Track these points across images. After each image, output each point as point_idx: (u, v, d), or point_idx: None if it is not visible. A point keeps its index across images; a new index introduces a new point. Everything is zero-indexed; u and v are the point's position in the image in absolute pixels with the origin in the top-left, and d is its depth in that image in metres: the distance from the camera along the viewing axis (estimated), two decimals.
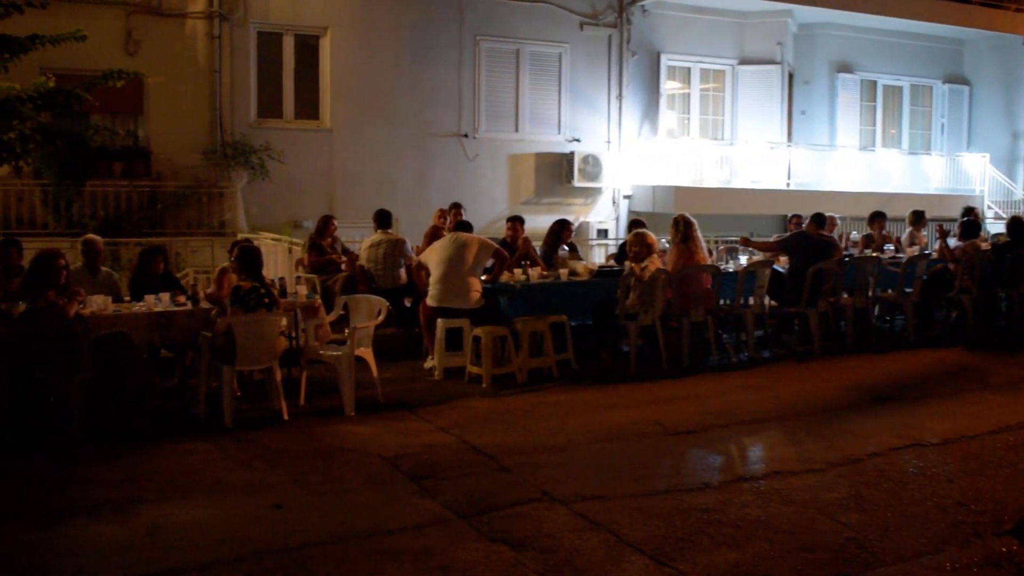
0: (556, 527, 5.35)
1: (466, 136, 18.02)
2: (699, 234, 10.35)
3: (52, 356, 7.33)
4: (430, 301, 9.71)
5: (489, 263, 9.98)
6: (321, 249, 11.65)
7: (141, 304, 8.38)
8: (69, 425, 7.34)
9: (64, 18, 10.36)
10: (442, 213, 12.25)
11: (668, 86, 20.26)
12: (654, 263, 9.86)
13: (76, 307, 7.48)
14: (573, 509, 5.64)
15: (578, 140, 18.97)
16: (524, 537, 5.19)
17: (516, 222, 11.64)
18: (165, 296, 8.46)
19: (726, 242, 16.36)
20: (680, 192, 18.87)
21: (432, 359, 9.72)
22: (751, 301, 10.80)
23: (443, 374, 9.55)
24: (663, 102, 20.08)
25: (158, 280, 9.08)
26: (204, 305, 8.42)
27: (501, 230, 12.63)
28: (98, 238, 9.53)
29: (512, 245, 11.28)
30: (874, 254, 12.42)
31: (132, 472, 6.52)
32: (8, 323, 7.35)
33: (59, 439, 7.32)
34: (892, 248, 13.31)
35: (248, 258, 8.00)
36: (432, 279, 9.69)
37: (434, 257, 9.73)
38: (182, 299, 8.54)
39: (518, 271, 10.17)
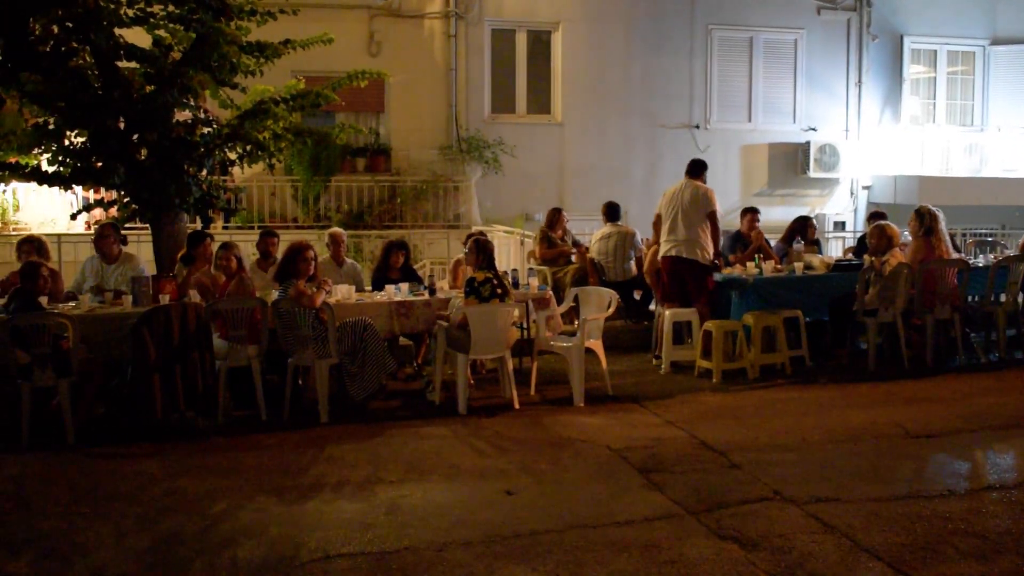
0: (788, 528, 5.21)
1: (697, 127, 17.79)
2: (943, 227, 9.78)
3: (302, 342, 7.81)
4: (661, 253, 9.71)
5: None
6: (552, 241, 11.78)
7: (382, 294, 8.78)
8: (317, 406, 7.79)
9: (312, 23, 10.92)
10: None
11: (911, 70, 19.21)
12: (895, 257, 9.40)
13: (323, 296, 7.92)
14: (806, 510, 5.47)
15: (814, 129, 18.33)
16: (755, 536, 5.08)
17: (751, 214, 11.34)
18: (404, 286, 8.83)
19: (975, 235, 15.43)
20: (924, 182, 17.87)
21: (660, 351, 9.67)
22: (1003, 298, 10.11)
23: (671, 368, 9.49)
24: (906, 87, 19.08)
25: (398, 271, 9.48)
26: (440, 296, 8.71)
27: (733, 222, 12.39)
28: (342, 231, 10.04)
29: (746, 238, 11.03)
30: None
31: (373, 454, 6.84)
32: (262, 310, 7.88)
33: (307, 420, 7.79)
34: None
35: (482, 250, 8.21)
36: (663, 231, 9.74)
37: (665, 208, 9.77)
38: (420, 290, 8.88)
39: (751, 264, 9.95)
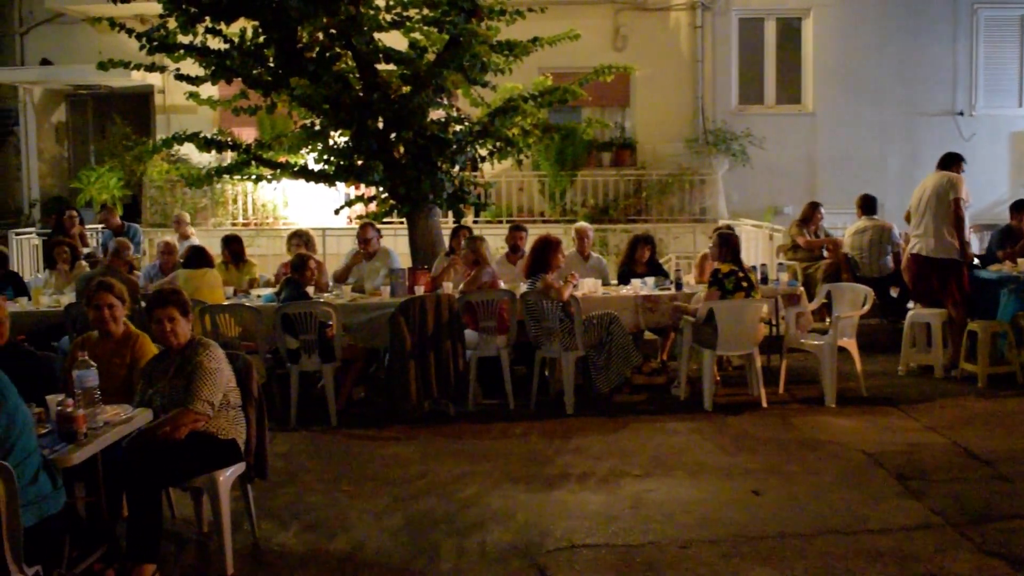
0: None
1: (961, 114, 16.70)
2: None
3: (549, 334, 7.94)
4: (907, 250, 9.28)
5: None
6: (807, 235, 11.40)
7: (628, 288, 8.80)
8: (562, 397, 7.91)
9: (557, 20, 11.03)
10: None
11: None
12: None
13: (570, 289, 8.01)
14: None
15: None
16: None
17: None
18: (650, 280, 8.80)
19: None
20: None
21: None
22: None
23: (916, 371, 9.17)
24: None
25: (644, 265, 9.46)
26: (687, 290, 8.64)
27: (1001, 216, 11.57)
28: (588, 225, 10.12)
29: (1018, 232, 10.25)
30: None
31: (617, 447, 6.88)
32: (511, 302, 8.07)
33: (553, 410, 7.93)
34: None
35: (727, 243, 8.08)
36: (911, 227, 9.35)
37: (913, 203, 9.32)
38: (666, 284, 8.83)
39: (1022, 260, 9.26)
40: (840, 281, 9.94)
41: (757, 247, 12.68)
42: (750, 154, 15.81)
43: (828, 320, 8.85)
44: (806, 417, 7.60)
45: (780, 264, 9.96)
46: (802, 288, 9.14)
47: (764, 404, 7.90)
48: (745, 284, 7.89)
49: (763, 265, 9.37)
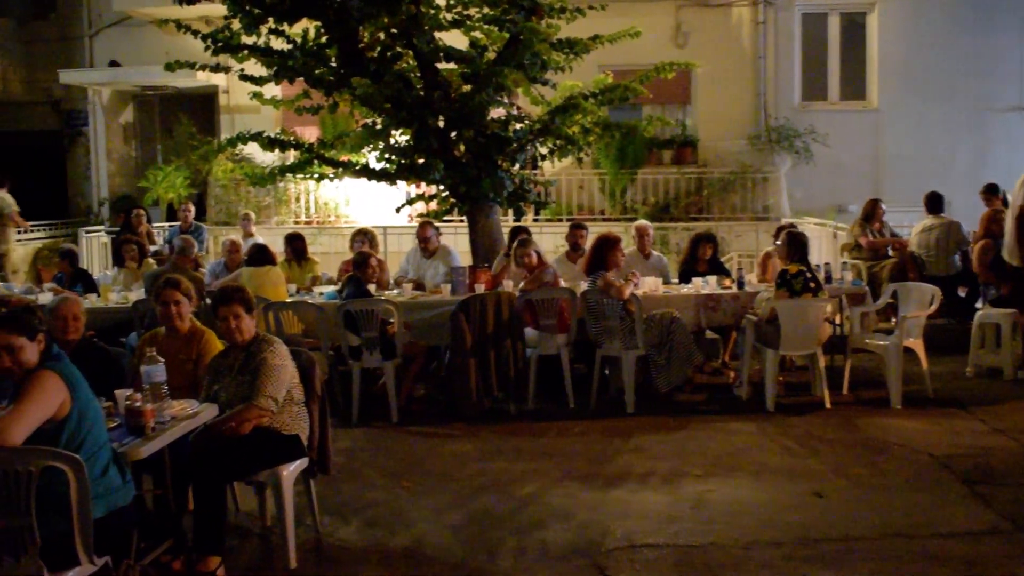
0: None
1: None
2: None
3: (609, 332, 7.91)
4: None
5: None
6: (871, 235, 11.24)
7: (689, 287, 8.74)
8: (623, 396, 7.89)
9: (618, 17, 10.99)
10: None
11: None
12: None
13: (630, 288, 7.97)
14: None
15: None
16: None
17: None
18: (712, 279, 8.73)
19: None
20: None
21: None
22: None
23: (984, 372, 8.93)
24: None
25: (706, 264, 9.38)
26: (749, 289, 8.55)
27: None
28: (648, 223, 10.07)
29: None
30: None
31: (678, 447, 6.84)
32: (571, 301, 8.05)
33: (613, 409, 7.91)
34: None
35: (796, 243, 7.98)
36: None
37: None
38: (728, 283, 8.75)
39: None
40: (906, 280, 9.77)
41: (820, 246, 12.51)
42: (813, 151, 15.63)
43: (894, 320, 8.71)
44: (871, 419, 7.48)
45: (844, 263, 9.83)
46: (866, 287, 9.01)
47: (828, 405, 7.79)
48: (813, 285, 7.78)
49: (827, 264, 9.25)
